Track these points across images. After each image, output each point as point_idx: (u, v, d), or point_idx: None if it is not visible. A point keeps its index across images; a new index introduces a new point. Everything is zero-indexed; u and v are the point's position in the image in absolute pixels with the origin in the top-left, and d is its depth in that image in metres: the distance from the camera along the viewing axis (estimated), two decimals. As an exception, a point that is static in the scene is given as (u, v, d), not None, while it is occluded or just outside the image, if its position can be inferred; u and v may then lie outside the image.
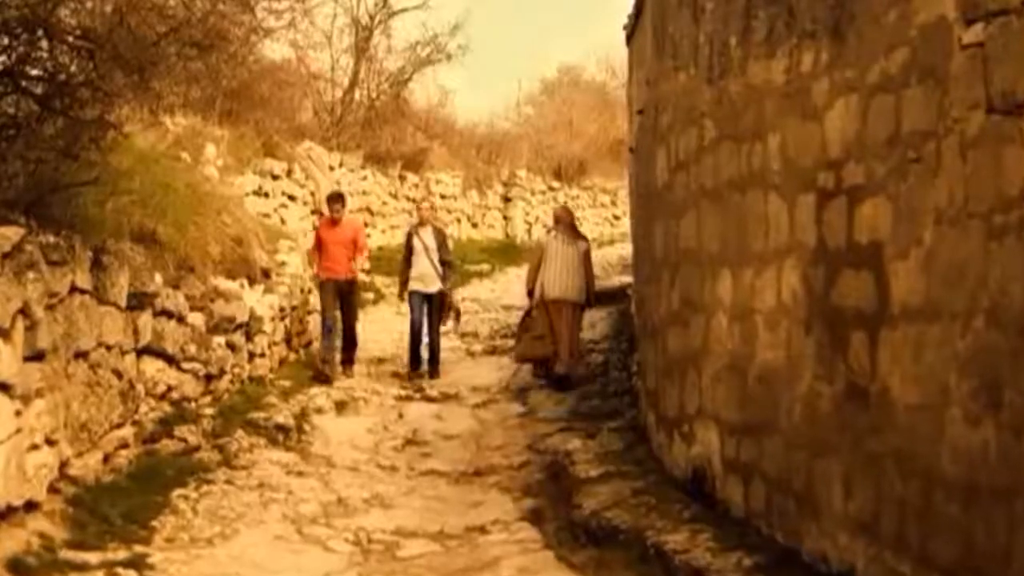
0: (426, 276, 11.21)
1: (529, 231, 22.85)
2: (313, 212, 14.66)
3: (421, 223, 11.71)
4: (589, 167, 26.16)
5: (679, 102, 6.61)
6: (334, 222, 11.09)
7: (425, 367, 11.14)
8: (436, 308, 11.24)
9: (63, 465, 5.93)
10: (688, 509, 5.79)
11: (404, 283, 11.40)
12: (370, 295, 12.59)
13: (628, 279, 13.14)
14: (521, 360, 10.78)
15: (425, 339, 11.20)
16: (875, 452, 4.08)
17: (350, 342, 11.05)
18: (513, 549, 6.07)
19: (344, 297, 10.88)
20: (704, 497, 5.82)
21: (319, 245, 11.12)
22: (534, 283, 10.47)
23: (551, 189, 24.70)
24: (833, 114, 4.44)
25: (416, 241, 11.38)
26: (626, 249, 16.69)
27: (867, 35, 4.18)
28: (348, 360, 10.99)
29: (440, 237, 11.54)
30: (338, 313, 10.79)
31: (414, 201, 19.45)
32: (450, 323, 11.66)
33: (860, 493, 4.21)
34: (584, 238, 10.99)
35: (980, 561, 3.43)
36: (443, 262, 11.36)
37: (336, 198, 11.32)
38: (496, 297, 15.31)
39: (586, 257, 10.53)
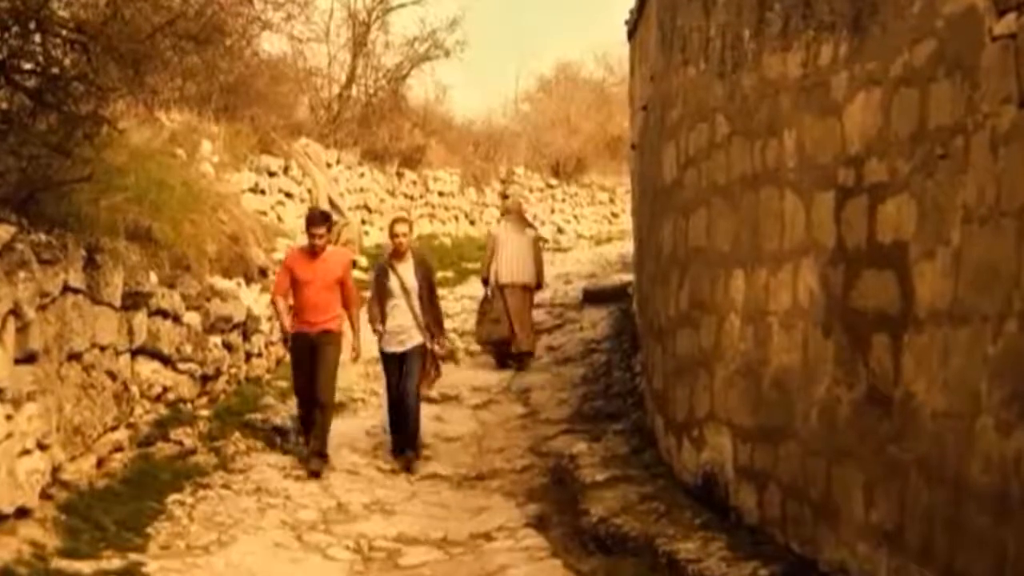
0: (403, 331, 8.10)
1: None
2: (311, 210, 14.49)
3: (397, 254, 8.23)
4: (587, 164, 26.08)
5: (689, 97, 6.47)
6: (313, 253, 7.78)
7: (409, 451, 8.09)
8: (415, 364, 8.11)
9: (55, 470, 5.80)
10: (699, 516, 5.66)
11: (376, 324, 8.23)
12: (367, 295, 12.35)
13: (628, 277, 13.00)
14: (482, 342, 11.36)
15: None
16: (899, 460, 3.94)
17: (321, 421, 7.70)
18: (519, 557, 5.95)
19: (317, 357, 7.70)
20: (715, 504, 5.68)
21: (292, 286, 7.83)
22: (488, 271, 11.10)
23: (549, 186, 24.59)
24: (853, 109, 4.30)
25: (392, 280, 8.11)
26: (625, 247, 16.55)
27: (890, 26, 4.03)
28: (319, 452, 7.64)
29: (424, 272, 8.25)
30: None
31: (411, 199, 19.36)
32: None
33: (883, 502, 4.07)
34: (532, 226, 11.88)
35: (1012, 575, 3.28)
36: (428, 306, 8.20)
37: (318, 219, 7.93)
38: (494, 296, 15.11)
39: (534, 244, 11.30)
